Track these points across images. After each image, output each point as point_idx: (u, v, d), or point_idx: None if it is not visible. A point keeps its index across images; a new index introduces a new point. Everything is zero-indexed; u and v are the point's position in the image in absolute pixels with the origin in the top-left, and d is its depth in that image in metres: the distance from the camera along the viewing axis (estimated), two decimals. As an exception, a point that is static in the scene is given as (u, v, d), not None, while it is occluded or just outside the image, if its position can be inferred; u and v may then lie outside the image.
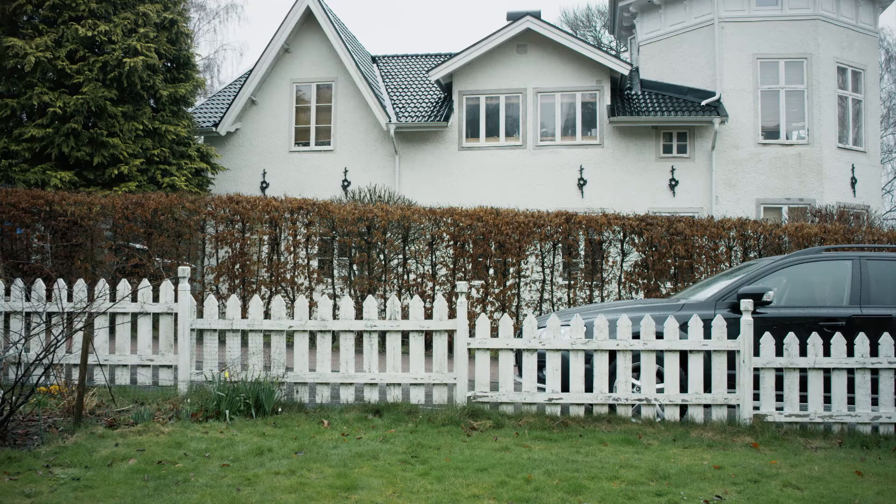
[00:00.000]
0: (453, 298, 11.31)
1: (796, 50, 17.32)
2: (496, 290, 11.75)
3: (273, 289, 11.93)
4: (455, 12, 61.39)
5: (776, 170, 17.13)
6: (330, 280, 12.04)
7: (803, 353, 6.15)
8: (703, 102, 17.16)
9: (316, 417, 5.83)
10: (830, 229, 12.13)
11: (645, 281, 11.88)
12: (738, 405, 6.05)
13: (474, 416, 5.96)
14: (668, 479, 4.45)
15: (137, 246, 12.25)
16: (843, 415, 6.04)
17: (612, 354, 6.28)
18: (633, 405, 6.17)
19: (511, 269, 11.82)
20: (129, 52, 14.81)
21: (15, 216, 11.47)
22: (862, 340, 6.08)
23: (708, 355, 6.18)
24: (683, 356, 6.24)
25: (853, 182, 17.54)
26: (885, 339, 6.07)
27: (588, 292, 12.00)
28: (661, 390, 6.18)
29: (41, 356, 5.22)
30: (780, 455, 5.22)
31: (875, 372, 6.12)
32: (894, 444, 5.72)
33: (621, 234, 11.99)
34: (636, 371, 6.34)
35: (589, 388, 6.21)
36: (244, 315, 11.10)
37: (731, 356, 6.16)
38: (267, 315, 10.80)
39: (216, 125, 18.31)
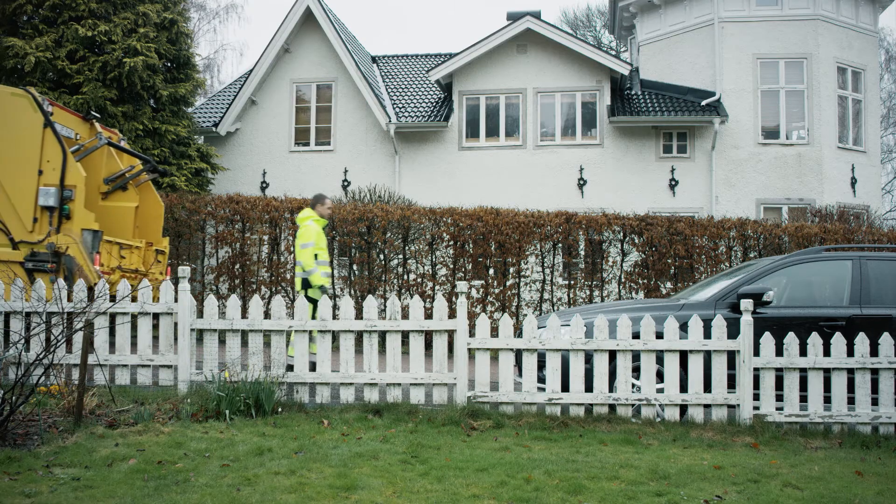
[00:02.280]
0: (453, 298, 11.32)
1: (796, 50, 17.32)
2: (496, 290, 11.75)
3: (273, 289, 11.93)
4: (455, 12, 61.43)
5: (776, 170, 17.14)
6: (330, 280, 12.04)
7: (803, 353, 6.15)
8: (703, 102, 17.17)
9: (316, 417, 5.83)
10: (830, 229, 12.14)
11: (645, 281, 11.89)
12: (738, 405, 6.05)
13: (474, 416, 5.96)
14: (668, 479, 4.45)
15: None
16: (843, 415, 6.04)
17: (612, 354, 6.28)
18: (633, 405, 6.17)
19: (511, 269, 11.82)
20: (129, 52, 14.81)
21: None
22: (862, 340, 6.08)
23: (708, 355, 6.18)
24: (683, 356, 6.24)
25: (853, 182, 17.55)
26: (885, 339, 6.07)
27: (588, 292, 12.01)
28: (661, 390, 6.18)
29: (41, 356, 5.22)
30: (780, 455, 5.22)
31: (875, 372, 6.12)
32: (894, 444, 5.72)
33: (621, 234, 11.99)
34: (636, 371, 6.34)
35: (589, 388, 6.21)
36: (244, 315, 11.11)
37: (731, 356, 6.16)
38: (267, 315, 10.80)
39: (216, 125, 18.32)
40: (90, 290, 6.99)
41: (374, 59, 21.60)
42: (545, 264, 11.96)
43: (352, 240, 11.85)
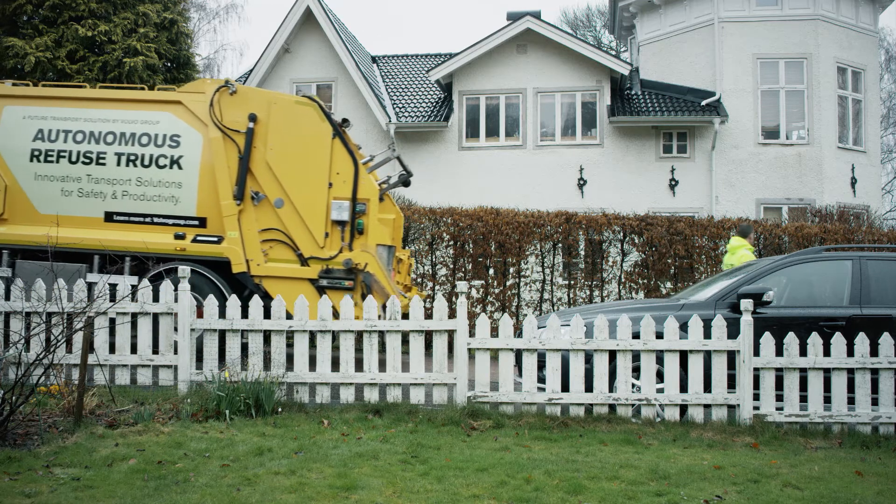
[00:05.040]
0: (453, 298, 11.31)
1: (796, 50, 17.32)
2: (496, 290, 11.75)
3: (273, 289, 11.90)
4: (455, 13, 61.42)
5: (776, 170, 17.13)
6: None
7: (803, 353, 6.15)
8: (703, 102, 17.16)
9: (316, 417, 5.83)
10: (830, 229, 12.13)
11: (645, 281, 11.88)
12: (738, 405, 6.05)
13: (474, 416, 5.96)
14: (668, 479, 4.45)
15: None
16: (843, 415, 6.04)
17: (612, 354, 6.28)
18: (633, 405, 6.17)
19: (511, 269, 11.82)
20: (130, 52, 14.81)
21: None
22: (862, 340, 6.08)
23: (708, 355, 6.18)
24: (683, 356, 6.23)
25: (853, 182, 17.54)
26: (885, 339, 6.07)
27: (588, 292, 12.00)
28: (661, 390, 6.18)
29: (41, 356, 5.22)
30: (780, 455, 5.22)
31: (875, 372, 6.12)
32: (894, 444, 5.72)
33: (621, 234, 11.98)
34: (636, 371, 6.33)
35: (589, 388, 6.21)
36: (244, 315, 11.08)
37: (731, 356, 6.16)
38: (267, 315, 10.78)
39: (216, 125, 18.29)
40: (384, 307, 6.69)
41: (374, 59, 21.59)
42: (545, 264, 11.96)
43: (352, 240, 11.83)
